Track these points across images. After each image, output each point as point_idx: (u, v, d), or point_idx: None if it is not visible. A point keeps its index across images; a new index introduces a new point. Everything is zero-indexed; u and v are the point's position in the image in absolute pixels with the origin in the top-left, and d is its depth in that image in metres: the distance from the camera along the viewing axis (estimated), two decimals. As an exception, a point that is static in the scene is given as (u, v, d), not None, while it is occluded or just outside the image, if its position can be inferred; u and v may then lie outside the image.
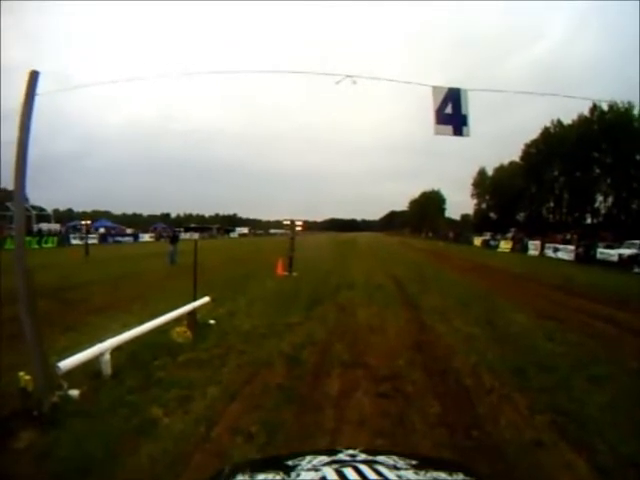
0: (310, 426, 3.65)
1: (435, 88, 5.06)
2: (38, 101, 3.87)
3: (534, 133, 57.46)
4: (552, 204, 55.93)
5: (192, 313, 6.73)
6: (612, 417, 3.78)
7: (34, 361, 3.50)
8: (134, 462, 2.98)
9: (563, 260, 26.68)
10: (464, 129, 5.14)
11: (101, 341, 4.58)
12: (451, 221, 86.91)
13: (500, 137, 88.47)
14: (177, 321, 6.35)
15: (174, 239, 19.51)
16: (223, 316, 7.76)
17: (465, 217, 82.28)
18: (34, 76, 3.81)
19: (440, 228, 76.32)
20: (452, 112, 5.02)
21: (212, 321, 7.24)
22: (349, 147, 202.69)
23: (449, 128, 5.11)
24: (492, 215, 66.59)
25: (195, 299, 7.05)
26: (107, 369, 4.48)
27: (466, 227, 69.85)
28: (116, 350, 4.77)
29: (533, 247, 33.47)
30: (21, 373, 3.61)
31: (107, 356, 4.48)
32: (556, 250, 29.66)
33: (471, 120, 5.15)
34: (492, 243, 43.75)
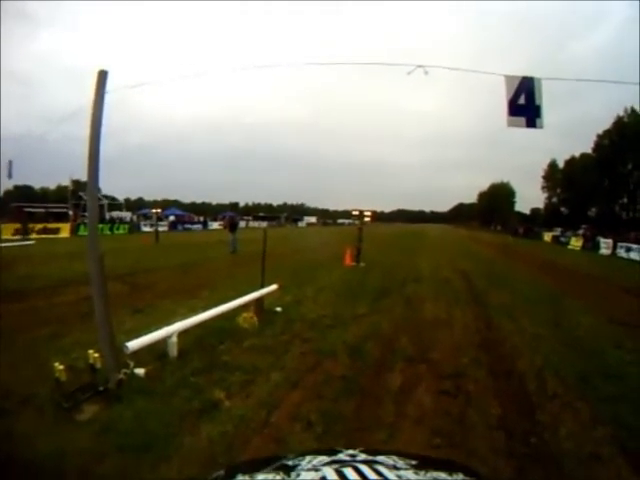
0: (369, 419, 3.55)
1: (508, 77, 4.65)
2: (111, 98, 4.08)
3: (606, 123, 51.97)
4: (626, 200, 50.55)
5: (259, 300, 6.85)
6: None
7: (103, 340, 3.73)
8: (192, 442, 3.04)
9: (636, 261, 23.29)
10: (537, 121, 4.75)
11: (168, 324, 4.80)
12: (521, 215, 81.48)
13: (570, 127, 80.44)
14: (244, 307, 6.49)
15: (233, 227, 18.29)
16: (290, 304, 7.83)
17: (535, 211, 77.03)
18: (103, 75, 4.02)
19: (509, 222, 71.54)
20: (525, 102, 4.65)
21: (279, 308, 7.32)
22: (417, 137, 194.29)
23: (522, 120, 4.73)
24: (563, 210, 61.75)
25: (263, 286, 7.16)
26: (173, 351, 4.66)
27: (536, 221, 65.19)
28: (183, 333, 4.96)
29: (605, 245, 30.02)
30: (90, 350, 3.85)
31: (174, 338, 4.67)
32: (629, 250, 26.24)
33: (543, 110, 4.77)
34: (562, 239, 40.31)
